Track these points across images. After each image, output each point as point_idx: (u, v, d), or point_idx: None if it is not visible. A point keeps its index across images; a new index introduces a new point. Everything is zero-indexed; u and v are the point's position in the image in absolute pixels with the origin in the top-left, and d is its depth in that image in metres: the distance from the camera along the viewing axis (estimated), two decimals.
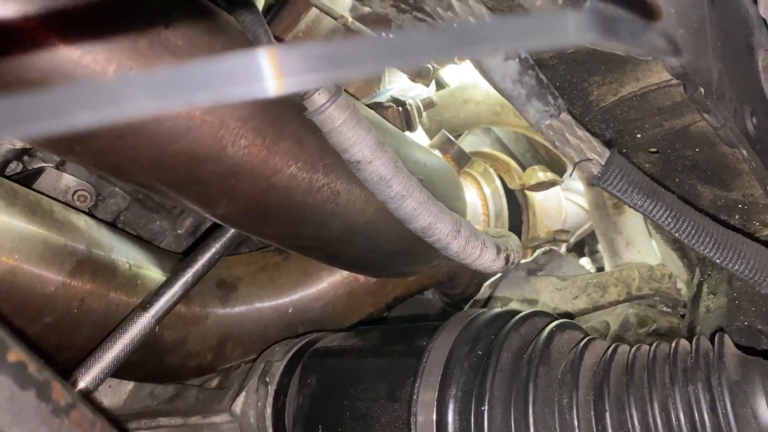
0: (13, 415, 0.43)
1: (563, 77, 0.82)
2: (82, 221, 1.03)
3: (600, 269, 1.96)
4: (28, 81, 0.64)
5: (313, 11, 1.19)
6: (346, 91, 0.84)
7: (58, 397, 0.47)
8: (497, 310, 0.92)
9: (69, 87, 0.22)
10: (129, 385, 1.22)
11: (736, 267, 0.72)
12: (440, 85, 1.86)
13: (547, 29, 0.24)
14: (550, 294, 1.36)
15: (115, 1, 0.67)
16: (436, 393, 0.80)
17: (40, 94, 0.22)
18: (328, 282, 1.26)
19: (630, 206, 0.73)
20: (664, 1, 0.64)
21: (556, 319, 0.90)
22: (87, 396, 0.97)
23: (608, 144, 0.88)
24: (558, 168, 1.92)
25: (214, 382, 1.23)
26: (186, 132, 0.74)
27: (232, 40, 0.79)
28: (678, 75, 0.67)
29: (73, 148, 0.75)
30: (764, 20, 0.80)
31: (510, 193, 1.81)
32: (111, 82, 0.22)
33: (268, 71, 0.22)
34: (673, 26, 0.64)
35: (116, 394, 1.23)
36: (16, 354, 0.44)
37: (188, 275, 1.03)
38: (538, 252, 1.44)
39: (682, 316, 1.26)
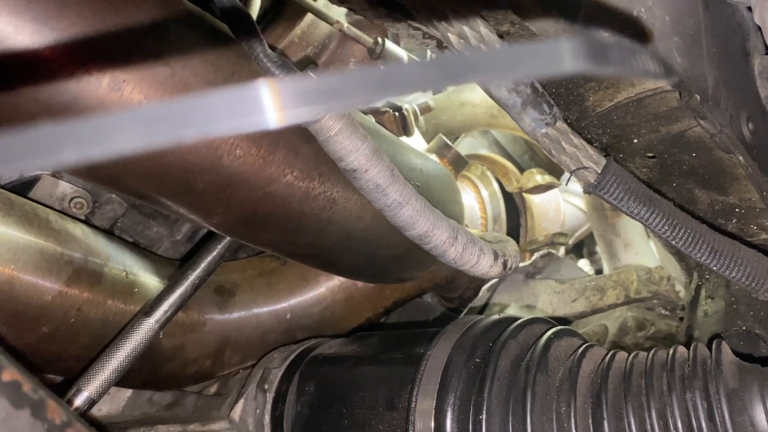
0: None
1: (559, 83, 0.82)
2: (79, 230, 1.02)
3: (599, 270, 1.96)
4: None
5: (309, 16, 1.19)
6: None
7: (54, 416, 0.47)
8: (495, 317, 0.92)
9: (57, 124, 0.22)
10: (127, 392, 1.22)
11: (733, 274, 0.72)
12: None
13: (537, 59, 0.24)
14: (549, 297, 1.36)
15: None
16: (434, 401, 0.80)
17: (28, 132, 0.22)
18: (326, 287, 1.27)
19: (626, 214, 0.73)
20: (659, 10, 0.64)
21: (554, 325, 0.90)
22: (92, 405, 0.97)
23: (605, 148, 0.88)
24: (556, 170, 1.92)
25: (213, 389, 1.23)
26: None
27: (226, 47, 0.79)
28: (673, 83, 0.67)
29: None
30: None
31: (508, 196, 1.80)
32: (104, 119, 0.22)
33: (269, 104, 0.22)
34: (668, 35, 0.64)
35: (115, 401, 1.23)
36: (10, 373, 0.44)
37: (191, 278, 1.03)
38: (536, 255, 1.44)
39: (681, 319, 1.25)
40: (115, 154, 0.22)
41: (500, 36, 0.65)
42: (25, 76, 0.63)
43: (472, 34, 0.58)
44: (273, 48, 0.86)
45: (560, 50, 0.24)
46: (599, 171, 0.72)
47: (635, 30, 0.56)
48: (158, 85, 0.71)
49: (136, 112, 0.22)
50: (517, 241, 1.80)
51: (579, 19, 0.52)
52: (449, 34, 0.59)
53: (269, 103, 0.23)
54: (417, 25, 0.71)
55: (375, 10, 0.69)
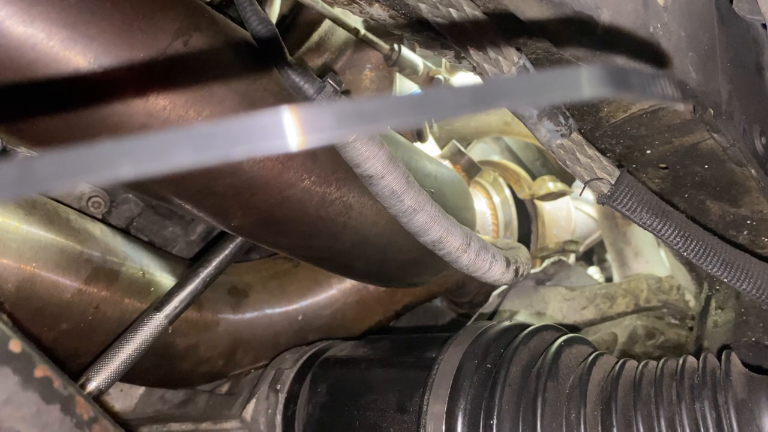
0: (39, 428, 0.44)
1: None
2: (98, 229, 1.04)
3: (609, 278, 1.97)
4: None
5: (326, 22, 1.20)
6: None
7: (82, 411, 0.48)
8: (506, 323, 0.93)
9: (115, 140, 0.23)
10: (140, 390, 1.24)
11: (744, 286, 0.73)
12: None
13: (562, 85, 0.25)
14: (559, 304, 1.37)
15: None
16: (446, 405, 0.81)
17: (86, 148, 0.23)
18: (338, 289, 1.28)
19: (639, 225, 0.74)
20: (675, 25, 0.65)
21: (565, 333, 0.91)
22: (100, 395, 0.98)
23: (618, 158, 0.89)
24: (568, 178, 1.93)
25: (224, 388, 1.25)
26: None
27: (250, 54, 0.81)
28: (689, 107, 0.68)
29: None
30: None
31: (519, 203, 1.81)
32: (154, 137, 0.23)
33: (292, 129, 0.24)
34: (683, 50, 0.65)
35: (127, 398, 1.25)
36: (42, 370, 0.46)
37: (202, 276, 1.05)
38: (546, 262, 1.45)
39: (690, 329, 1.26)
40: (166, 169, 0.23)
41: (517, 49, 0.66)
42: (52, 76, 0.65)
43: (494, 51, 0.60)
44: (292, 53, 0.87)
45: (584, 77, 0.25)
46: (613, 182, 0.73)
47: (651, 48, 0.57)
48: (182, 89, 0.73)
49: (189, 131, 0.23)
50: (528, 248, 1.81)
51: (596, 38, 0.53)
52: (471, 51, 0.61)
53: (292, 128, 0.25)
54: (435, 36, 0.73)
55: (396, 20, 0.70)
